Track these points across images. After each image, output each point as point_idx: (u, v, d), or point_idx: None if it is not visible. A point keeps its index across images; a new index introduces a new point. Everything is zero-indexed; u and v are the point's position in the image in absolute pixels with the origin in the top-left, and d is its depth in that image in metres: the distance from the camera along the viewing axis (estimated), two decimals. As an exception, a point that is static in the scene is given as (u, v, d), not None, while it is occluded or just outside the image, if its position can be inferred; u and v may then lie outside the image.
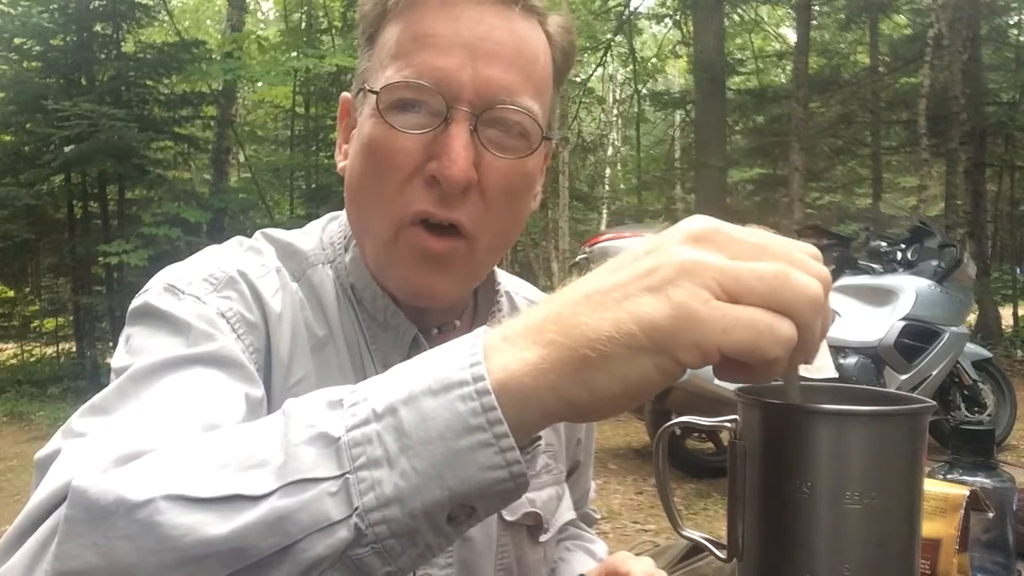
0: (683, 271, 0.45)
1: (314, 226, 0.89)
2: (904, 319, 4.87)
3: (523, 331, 0.48)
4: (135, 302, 0.76)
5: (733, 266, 0.45)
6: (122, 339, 0.74)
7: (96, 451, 0.53)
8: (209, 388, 0.66)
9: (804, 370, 0.52)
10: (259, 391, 0.71)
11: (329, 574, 0.46)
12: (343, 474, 0.46)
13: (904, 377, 4.81)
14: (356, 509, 0.45)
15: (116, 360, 0.70)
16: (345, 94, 0.84)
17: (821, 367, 0.52)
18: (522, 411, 0.46)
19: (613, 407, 0.47)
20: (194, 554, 0.45)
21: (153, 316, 0.73)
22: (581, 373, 0.45)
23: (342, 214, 0.89)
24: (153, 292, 0.75)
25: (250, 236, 0.87)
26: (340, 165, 0.83)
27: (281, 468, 0.47)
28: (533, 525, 0.91)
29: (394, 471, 0.46)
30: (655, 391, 0.46)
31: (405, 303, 0.82)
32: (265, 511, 0.45)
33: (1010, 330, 11.56)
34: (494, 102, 0.73)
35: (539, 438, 0.61)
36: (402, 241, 0.75)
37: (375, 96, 0.74)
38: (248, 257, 0.81)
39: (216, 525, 0.45)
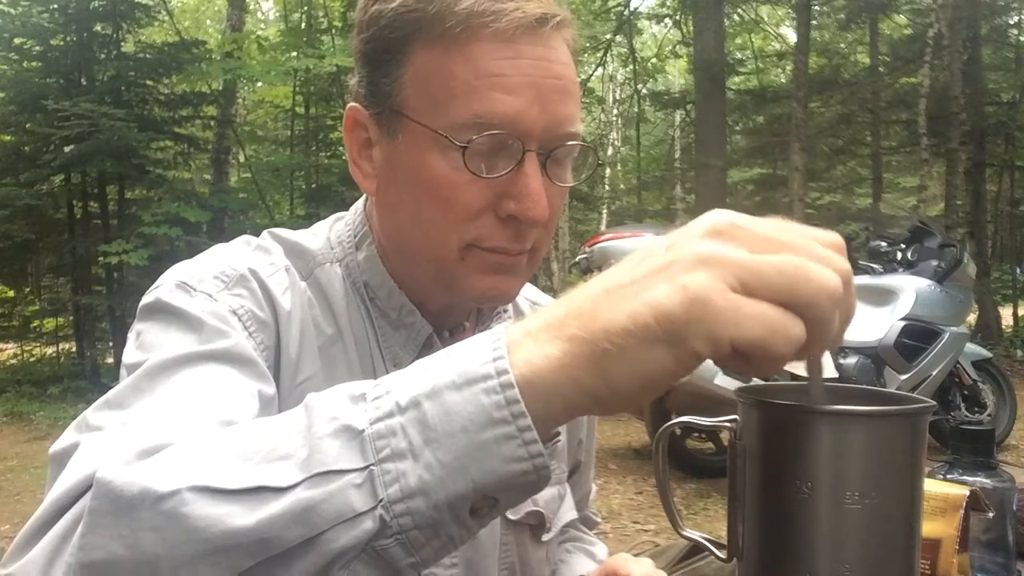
0: (700, 262, 0.45)
1: (320, 227, 0.90)
2: (904, 319, 4.86)
3: (544, 326, 0.48)
4: (146, 298, 0.76)
5: (752, 259, 0.45)
6: (132, 335, 0.74)
7: (118, 444, 0.54)
8: (223, 384, 0.66)
9: (804, 370, 0.52)
10: (271, 388, 0.72)
11: (353, 564, 0.47)
12: (368, 466, 0.46)
13: (904, 377, 4.80)
14: (381, 501, 0.46)
15: (127, 356, 0.71)
16: (354, 106, 0.81)
17: (821, 367, 0.52)
18: (545, 405, 0.46)
19: (634, 398, 0.47)
20: (220, 545, 0.46)
21: (165, 312, 0.73)
22: (600, 366, 0.45)
23: (347, 214, 0.89)
24: (165, 288, 0.75)
25: (255, 235, 0.87)
26: (366, 184, 0.81)
27: (306, 460, 0.47)
28: (536, 524, 0.91)
29: (418, 463, 0.46)
30: (674, 381, 0.46)
31: (423, 305, 0.83)
32: (291, 502, 0.46)
33: (1010, 330, 11.56)
34: (561, 139, 0.74)
35: (559, 433, 0.61)
36: (468, 261, 0.76)
37: (458, 147, 0.71)
38: (257, 256, 0.82)
39: (242, 516, 0.46)
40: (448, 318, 0.86)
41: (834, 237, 0.49)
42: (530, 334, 0.48)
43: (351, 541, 0.46)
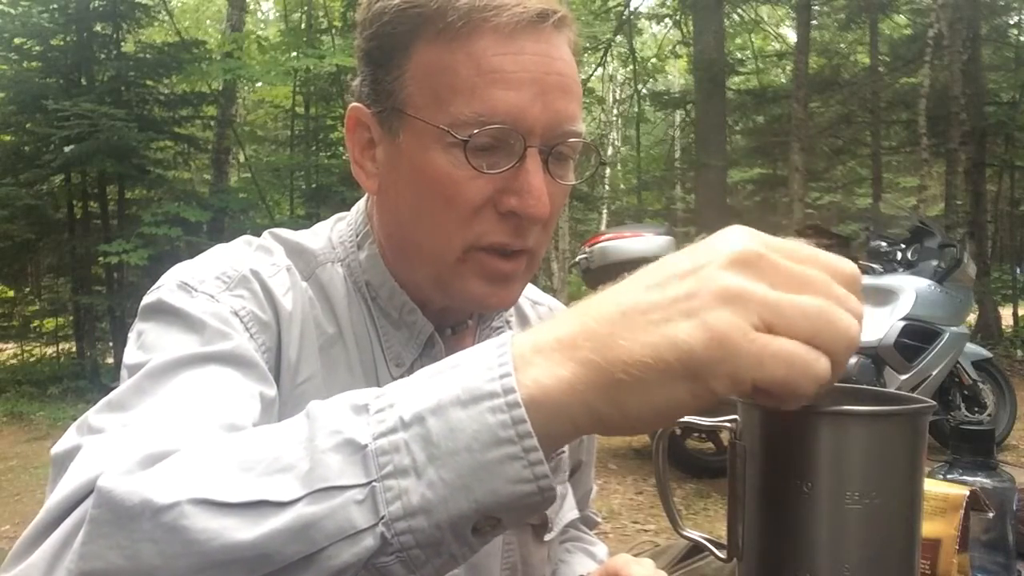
0: (724, 298, 0.44)
1: (322, 227, 0.90)
2: (904, 319, 4.86)
3: (556, 344, 0.47)
4: (147, 298, 0.76)
5: (776, 298, 0.44)
6: (133, 335, 0.74)
7: (119, 450, 0.53)
8: (225, 387, 0.66)
9: None
10: (272, 390, 0.71)
11: None
12: (370, 482, 0.46)
13: (904, 377, 4.80)
14: (382, 518, 0.45)
15: (128, 356, 0.70)
16: (356, 105, 0.81)
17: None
18: (552, 426, 0.46)
19: (644, 427, 0.47)
20: (219, 559, 0.45)
21: (167, 313, 0.73)
22: (614, 394, 0.45)
23: (348, 214, 0.89)
24: (166, 289, 0.75)
25: (255, 236, 0.87)
26: (369, 184, 0.81)
27: (307, 474, 0.46)
28: (538, 524, 0.91)
29: (421, 481, 0.45)
30: (688, 414, 0.46)
31: (427, 306, 0.83)
32: (291, 518, 0.45)
33: (1010, 330, 11.55)
34: (563, 136, 0.74)
35: (563, 448, 0.62)
36: (471, 262, 0.76)
37: (459, 142, 0.71)
38: (259, 256, 0.82)
39: (242, 531, 0.45)
40: (450, 316, 0.86)
41: (851, 270, 0.48)
42: (540, 351, 0.47)
43: (351, 558, 0.46)
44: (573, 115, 0.75)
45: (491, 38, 0.71)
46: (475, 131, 0.71)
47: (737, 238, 0.47)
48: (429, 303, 0.83)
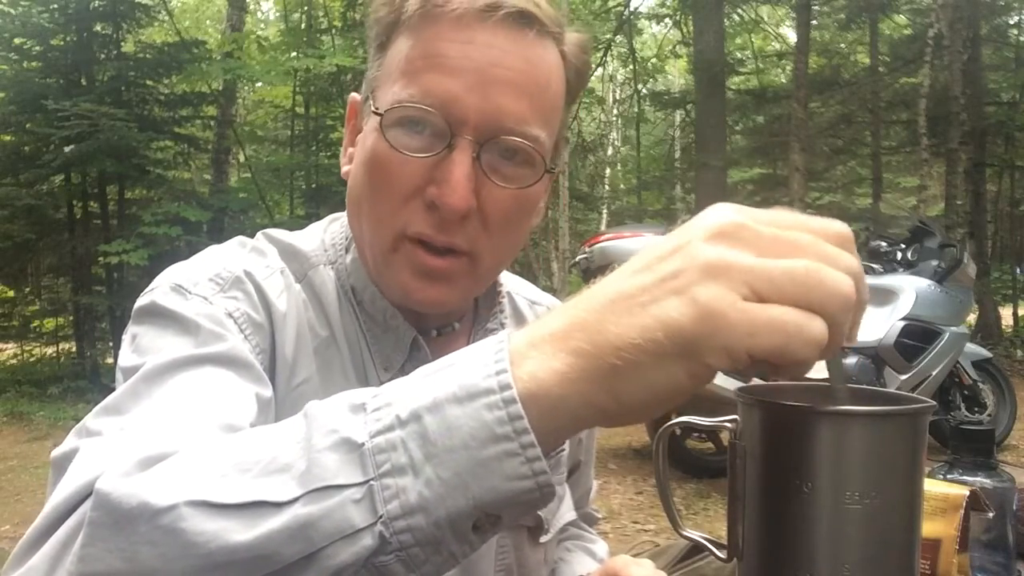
0: (709, 271, 0.43)
1: (316, 227, 0.90)
2: (904, 319, 4.86)
3: (549, 337, 0.47)
4: (141, 301, 0.76)
5: (762, 265, 0.44)
6: (127, 338, 0.74)
7: (117, 452, 0.53)
8: (221, 388, 0.66)
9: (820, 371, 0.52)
10: (268, 391, 0.71)
11: None
12: (367, 481, 0.45)
13: (904, 377, 4.80)
14: (380, 517, 0.45)
15: (123, 360, 0.70)
16: (354, 95, 0.83)
17: (822, 367, 0.52)
18: (550, 420, 0.45)
19: (644, 413, 0.46)
20: (218, 561, 0.45)
21: (160, 315, 0.73)
22: (609, 382, 0.44)
23: (343, 215, 0.89)
24: (160, 291, 0.75)
25: (251, 236, 0.87)
26: (344, 169, 0.83)
27: (304, 474, 0.46)
28: (534, 526, 0.90)
29: (419, 479, 0.45)
30: (686, 396, 0.45)
31: (401, 308, 0.82)
32: (289, 518, 0.45)
33: (1010, 330, 11.55)
34: (500, 131, 0.72)
35: (563, 444, 0.61)
36: (401, 253, 0.76)
37: (379, 116, 0.73)
38: (252, 258, 0.82)
39: (240, 532, 0.45)
40: (429, 320, 0.85)
41: (840, 229, 0.47)
42: (534, 345, 0.47)
43: (350, 557, 0.45)
44: (519, 114, 0.72)
45: (445, 27, 0.72)
46: (394, 106, 0.72)
47: (718, 212, 0.47)
48: (401, 305, 0.82)
